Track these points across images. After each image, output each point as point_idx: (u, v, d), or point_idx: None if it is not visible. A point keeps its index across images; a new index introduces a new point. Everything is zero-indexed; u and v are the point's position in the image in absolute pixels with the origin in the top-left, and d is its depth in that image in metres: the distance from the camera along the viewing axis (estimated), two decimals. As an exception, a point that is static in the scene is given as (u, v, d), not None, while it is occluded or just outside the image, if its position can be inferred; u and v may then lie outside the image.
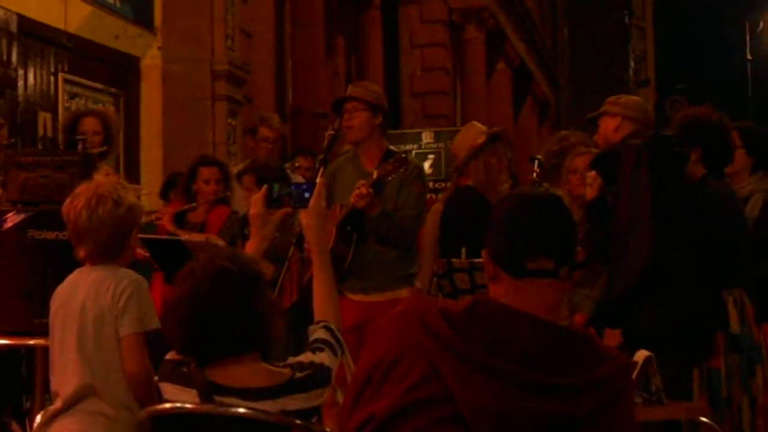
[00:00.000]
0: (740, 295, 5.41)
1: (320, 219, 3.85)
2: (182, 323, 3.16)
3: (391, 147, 6.34)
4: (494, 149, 6.41)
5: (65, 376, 4.09)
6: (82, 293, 4.12)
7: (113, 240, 4.16)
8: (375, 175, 5.86)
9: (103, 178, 4.39)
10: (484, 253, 2.63)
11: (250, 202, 4.14)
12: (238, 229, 6.91)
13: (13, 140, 6.67)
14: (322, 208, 3.90)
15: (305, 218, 3.86)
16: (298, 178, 7.47)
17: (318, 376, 3.26)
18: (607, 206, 5.72)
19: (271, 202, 4.03)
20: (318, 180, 4.03)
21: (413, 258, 6.21)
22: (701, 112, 5.71)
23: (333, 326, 3.56)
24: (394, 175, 5.89)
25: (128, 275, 4.14)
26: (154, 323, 4.11)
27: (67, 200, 4.24)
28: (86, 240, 4.15)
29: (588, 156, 6.35)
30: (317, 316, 3.65)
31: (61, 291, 4.22)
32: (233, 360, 3.15)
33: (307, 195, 3.88)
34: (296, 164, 8.53)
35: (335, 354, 3.44)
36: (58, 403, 4.10)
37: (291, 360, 3.30)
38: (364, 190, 5.76)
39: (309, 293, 5.71)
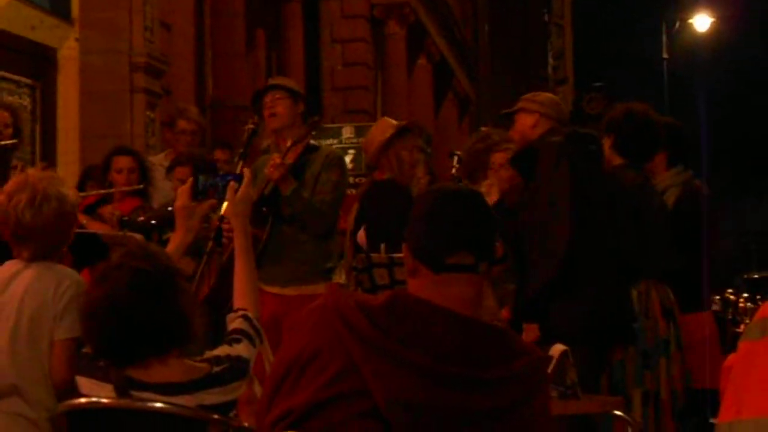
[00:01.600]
0: (646, 287, 5.50)
1: (248, 207, 3.87)
2: (101, 327, 3.11)
3: (312, 141, 6.33)
4: (403, 142, 6.41)
5: None
6: (19, 288, 3.90)
7: (57, 238, 3.99)
8: (289, 142, 5.86)
9: (37, 172, 4.14)
10: (404, 247, 2.63)
11: (178, 192, 4.10)
12: (143, 222, 6.78)
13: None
14: (251, 197, 3.90)
15: (233, 206, 3.84)
16: None
17: (235, 369, 3.24)
18: (514, 204, 5.82)
19: (196, 194, 4.00)
20: (246, 172, 4.00)
21: (331, 251, 6.19)
22: (630, 103, 5.84)
23: (251, 315, 3.54)
24: (308, 140, 5.90)
25: (69, 275, 3.95)
26: None
27: (1, 198, 4.00)
28: (30, 239, 3.94)
29: (508, 152, 6.40)
30: (236, 304, 3.64)
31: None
32: (153, 358, 3.12)
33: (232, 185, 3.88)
34: (214, 157, 8.46)
35: (253, 344, 3.41)
36: None
37: (208, 354, 3.28)
38: (278, 160, 5.77)
39: (223, 288, 5.71)
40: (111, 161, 7.08)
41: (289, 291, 5.90)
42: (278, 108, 6.07)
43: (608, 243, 5.24)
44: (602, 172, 5.48)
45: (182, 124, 8.00)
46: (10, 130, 6.78)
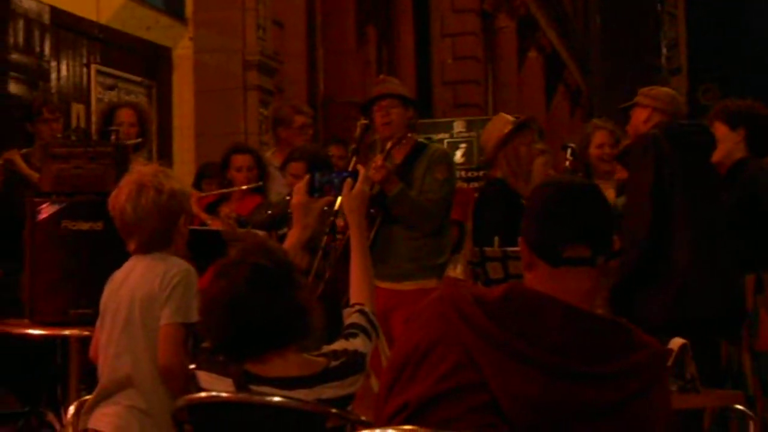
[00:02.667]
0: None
1: (364, 204, 3.89)
2: (220, 323, 3.13)
3: (420, 139, 6.37)
4: (522, 138, 6.38)
5: (107, 364, 4.06)
6: (132, 281, 4.04)
7: (160, 229, 4.07)
8: (388, 144, 5.89)
9: (143, 166, 4.31)
10: (520, 240, 2.63)
11: (294, 189, 4.14)
12: (266, 219, 6.87)
13: (68, 132, 6.70)
14: (366, 193, 3.91)
15: (349, 202, 3.86)
16: None
17: (352, 364, 3.25)
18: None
19: (313, 191, 4.03)
20: (361, 168, 4.02)
21: (443, 248, 6.21)
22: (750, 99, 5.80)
23: (368, 310, 3.57)
24: (408, 140, 5.95)
25: (178, 264, 4.05)
26: (197, 316, 4.03)
27: (113, 194, 4.15)
28: (134, 233, 4.07)
29: (605, 132, 6.43)
30: (353, 299, 3.67)
31: (115, 278, 4.15)
32: (271, 353, 3.14)
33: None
34: (329, 153, 8.51)
35: (369, 338, 3.43)
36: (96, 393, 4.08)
37: (325, 349, 3.29)
38: (379, 162, 5.83)
39: (338, 282, 5.76)
40: (230, 159, 7.16)
41: (400, 286, 5.93)
42: (393, 116, 6.13)
43: (704, 235, 5.12)
44: (707, 163, 5.37)
45: (300, 119, 8.04)
46: (135, 129, 6.91)
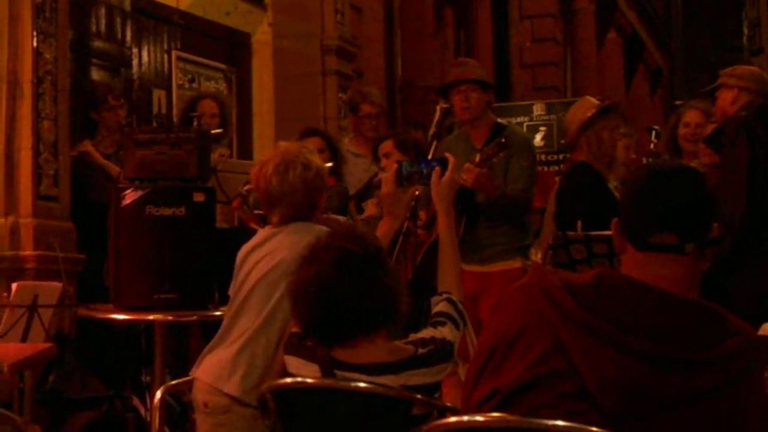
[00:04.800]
0: None
1: (453, 192, 3.89)
2: (309, 307, 3.14)
3: (499, 120, 6.35)
4: (606, 122, 6.30)
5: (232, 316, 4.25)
6: (273, 244, 4.21)
7: (305, 203, 4.23)
8: (477, 158, 5.86)
9: (287, 143, 4.48)
10: (614, 223, 2.59)
11: (383, 179, 4.15)
12: (338, 202, 6.88)
13: (129, 119, 6.77)
14: (456, 181, 3.91)
15: (438, 191, 3.85)
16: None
17: (440, 352, 3.24)
18: None
19: (401, 181, 4.02)
20: (450, 156, 3.99)
21: (527, 230, 6.24)
22: None
23: (455, 298, 3.56)
24: (495, 159, 5.90)
25: (317, 230, 4.07)
26: None
27: (254, 168, 4.34)
28: (279, 205, 4.23)
29: (697, 112, 6.32)
30: (440, 287, 3.66)
31: (249, 246, 4.33)
32: (360, 338, 3.14)
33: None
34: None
35: (457, 327, 3.42)
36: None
37: (413, 337, 3.28)
38: (472, 167, 5.81)
39: (422, 272, 5.75)
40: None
41: (487, 268, 5.96)
42: (472, 101, 6.18)
43: None
44: None
45: (366, 108, 8.04)
46: (217, 120, 6.97)
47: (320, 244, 3.20)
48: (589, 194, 6.07)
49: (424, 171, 3.95)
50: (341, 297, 3.09)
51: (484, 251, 5.98)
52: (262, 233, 4.37)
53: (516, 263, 6.09)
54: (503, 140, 6.07)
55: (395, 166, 4.09)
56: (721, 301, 4.89)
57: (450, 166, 3.89)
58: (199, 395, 4.21)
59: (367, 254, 3.16)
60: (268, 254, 4.20)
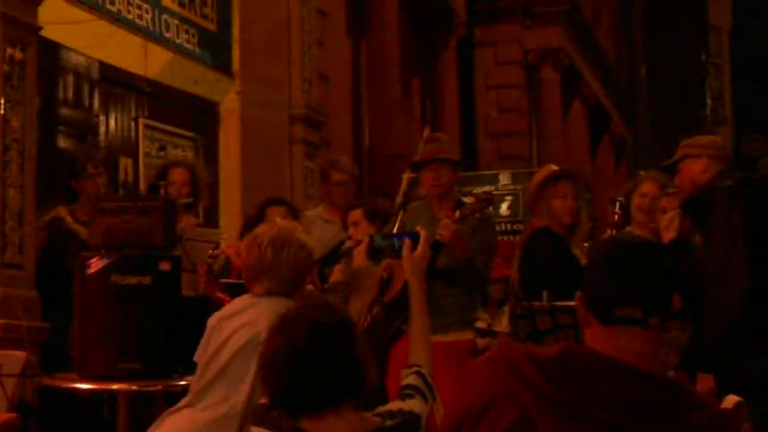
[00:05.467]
0: None
1: (424, 265, 3.92)
2: (278, 377, 3.12)
3: (462, 197, 6.45)
4: (555, 189, 6.35)
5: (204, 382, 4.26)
6: (253, 313, 4.24)
7: (293, 281, 4.29)
8: (458, 214, 5.89)
9: (284, 221, 4.63)
10: (577, 296, 2.60)
11: (355, 253, 4.19)
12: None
13: (110, 188, 6.76)
14: (427, 255, 3.93)
15: (411, 265, 3.86)
16: None
17: (408, 424, 3.23)
18: (687, 249, 5.67)
19: (374, 254, 4.04)
20: (422, 230, 4.01)
21: (476, 302, 6.42)
22: None
23: (425, 372, 3.57)
24: (478, 214, 5.94)
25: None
26: None
27: (247, 239, 4.45)
28: (267, 276, 4.28)
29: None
30: (411, 360, 3.68)
31: (224, 312, 4.40)
32: (328, 410, 3.12)
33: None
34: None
35: (426, 401, 3.43)
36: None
37: (380, 409, 3.27)
38: (449, 222, 5.84)
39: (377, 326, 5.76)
40: (265, 212, 7.17)
41: (437, 338, 5.94)
42: (443, 179, 6.24)
43: None
44: None
45: (335, 176, 8.08)
46: (187, 189, 6.97)
47: (290, 314, 3.19)
48: (552, 258, 6.12)
49: (396, 244, 3.97)
50: (310, 367, 3.08)
51: (435, 323, 5.98)
52: (238, 302, 4.41)
53: (468, 334, 6.19)
54: (489, 195, 6.16)
55: (367, 239, 4.12)
56: (718, 374, 4.93)
57: (422, 240, 3.90)
58: None
59: (338, 325, 3.16)
60: (247, 324, 4.21)
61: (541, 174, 6.55)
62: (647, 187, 6.60)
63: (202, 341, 4.39)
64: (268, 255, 4.25)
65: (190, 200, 6.84)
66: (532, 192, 6.45)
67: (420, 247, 3.88)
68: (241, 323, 4.24)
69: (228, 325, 4.28)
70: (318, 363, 3.08)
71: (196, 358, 4.43)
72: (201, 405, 4.23)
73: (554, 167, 6.64)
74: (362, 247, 4.07)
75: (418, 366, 3.60)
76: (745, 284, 4.94)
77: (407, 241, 3.90)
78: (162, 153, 9.36)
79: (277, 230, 4.35)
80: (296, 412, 3.12)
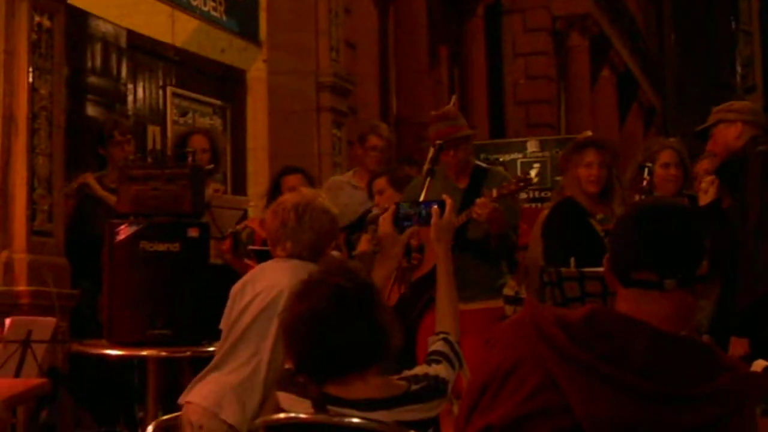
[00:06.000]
0: None
1: (451, 233, 3.91)
2: (302, 343, 3.13)
3: (478, 162, 6.47)
4: (580, 158, 6.32)
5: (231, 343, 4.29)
6: (275, 276, 4.29)
7: (315, 244, 4.34)
8: (495, 193, 5.90)
9: (309, 190, 4.71)
10: (605, 260, 2.60)
11: (381, 220, 4.18)
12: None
13: (139, 155, 6.78)
14: (453, 223, 3.93)
15: (436, 232, 3.86)
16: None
17: (433, 388, 3.24)
18: (724, 213, 5.63)
19: (399, 222, 4.04)
20: (447, 198, 4.01)
21: (502, 270, 6.40)
22: None
23: (452, 338, 3.58)
24: (513, 194, 5.99)
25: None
26: None
27: (273, 205, 4.49)
28: (290, 240, 4.33)
29: (671, 151, 6.34)
30: (437, 327, 3.69)
31: (248, 277, 4.43)
32: (352, 374, 3.14)
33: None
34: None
35: (452, 367, 3.44)
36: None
37: (406, 373, 3.28)
38: (487, 201, 5.86)
39: (410, 301, 5.78)
40: (281, 182, 7.17)
41: (466, 307, 5.95)
42: (459, 155, 6.26)
43: None
44: None
45: (373, 140, 8.06)
46: (208, 155, 6.97)
47: (313, 280, 3.20)
48: (569, 229, 6.11)
49: (423, 212, 3.96)
50: (334, 333, 3.09)
51: (465, 290, 5.98)
52: (260, 267, 4.45)
53: (498, 302, 6.22)
54: (527, 176, 6.15)
55: (393, 207, 4.11)
56: (760, 338, 4.91)
57: (447, 208, 3.90)
58: (193, 417, 4.22)
59: (360, 290, 3.17)
60: (268, 287, 4.25)
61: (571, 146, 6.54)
62: (665, 156, 6.52)
63: (227, 308, 4.42)
64: (291, 219, 4.29)
65: (211, 166, 6.86)
66: (560, 161, 6.45)
67: (446, 215, 3.87)
68: (262, 286, 4.28)
69: (251, 289, 4.31)
70: (341, 328, 3.09)
71: (222, 326, 4.45)
72: (227, 368, 4.27)
73: (589, 134, 6.61)
74: (388, 215, 4.05)
75: (446, 333, 3.61)
76: None
77: (435, 208, 3.90)
78: (186, 119, 9.38)
79: (300, 196, 4.39)
80: (321, 377, 3.13)
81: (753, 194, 5.11)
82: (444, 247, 3.86)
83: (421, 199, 6.07)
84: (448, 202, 3.92)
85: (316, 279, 3.19)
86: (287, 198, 4.43)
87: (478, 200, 5.89)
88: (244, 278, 4.43)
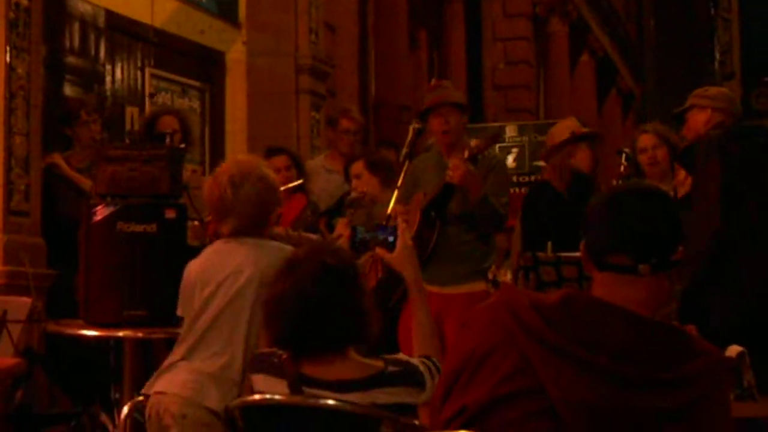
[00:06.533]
0: None
1: (411, 258, 3.72)
2: (285, 319, 3.14)
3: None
4: (573, 148, 6.34)
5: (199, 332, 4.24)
6: (236, 261, 4.20)
7: (258, 216, 4.25)
8: (467, 153, 5.84)
9: (244, 155, 4.58)
10: (581, 244, 2.61)
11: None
12: (313, 220, 6.92)
13: (105, 135, 6.76)
14: (410, 248, 3.74)
15: (398, 259, 3.70)
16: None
17: (411, 374, 3.21)
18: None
19: (356, 246, 3.97)
20: (400, 222, 3.90)
21: (491, 251, 6.23)
22: None
23: (435, 360, 3.40)
24: (486, 152, 5.90)
25: (286, 249, 4.14)
26: None
27: (208, 179, 4.36)
28: (231, 215, 4.24)
29: (650, 135, 6.38)
30: (417, 353, 3.52)
31: (204, 263, 4.33)
32: (330, 353, 3.14)
33: (391, 239, 3.77)
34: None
35: (431, 375, 3.28)
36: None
37: (386, 356, 3.28)
38: (459, 163, 5.76)
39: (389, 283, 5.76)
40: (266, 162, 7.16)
41: (449, 290, 5.92)
42: (451, 123, 6.12)
43: None
44: None
45: (345, 123, 8.08)
46: (178, 136, 6.95)
47: (299, 257, 3.21)
48: (545, 212, 6.13)
49: (380, 237, 3.85)
50: (319, 308, 3.10)
51: (448, 270, 5.95)
52: (212, 248, 4.37)
53: (480, 285, 6.03)
54: (495, 131, 6.12)
55: (349, 231, 4.07)
56: (700, 321, 4.94)
57: (400, 231, 3.73)
58: (173, 407, 4.13)
59: (345, 268, 3.18)
60: (234, 273, 4.19)
61: (563, 129, 6.53)
62: (644, 140, 6.57)
63: (185, 293, 4.37)
64: (228, 193, 4.19)
65: (182, 146, 6.84)
66: (551, 148, 6.44)
67: (399, 243, 3.70)
68: (226, 273, 4.20)
69: (213, 277, 4.24)
70: (325, 304, 3.10)
71: (179, 312, 4.40)
72: (198, 358, 4.20)
73: (574, 123, 6.62)
74: (344, 240, 4.03)
75: (427, 356, 3.43)
76: (714, 233, 4.89)
77: (402, 227, 3.75)
78: (152, 99, 9.35)
79: (235, 166, 4.27)
80: (301, 352, 3.14)
81: (696, 180, 5.13)
82: (410, 271, 3.68)
83: (399, 183, 6.08)
84: (401, 227, 3.80)
85: (303, 256, 3.20)
86: (224, 169, 4.30)
87: (450, 162, 5.83)
88: (201, 261, 4.33)
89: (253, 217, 4.24)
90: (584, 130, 6.71)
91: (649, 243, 2.55)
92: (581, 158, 7.12)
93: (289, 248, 4.13)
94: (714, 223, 4.94)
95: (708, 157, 5.08)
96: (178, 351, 4.29)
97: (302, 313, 3.10)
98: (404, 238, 3.73)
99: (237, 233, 4.26)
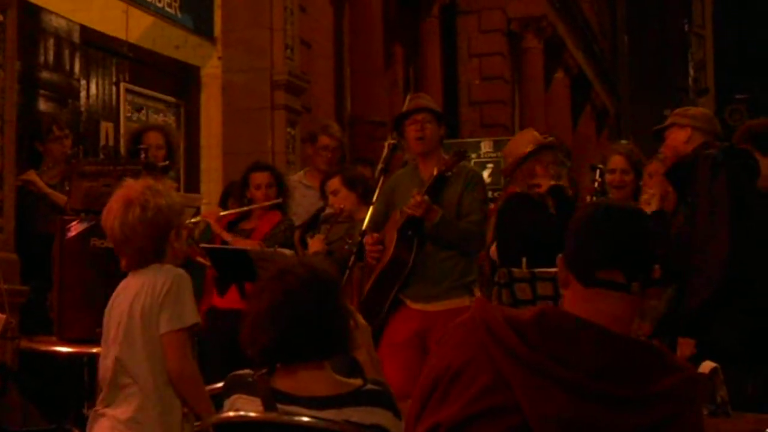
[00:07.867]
0: None
1: (369, 336, 3.58)
2: (262, 328, 3.13)
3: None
4: (539, 158, 6.36)
5: (107, 376, 4.16)
6: (129, 295, 4.15)
7: (148, 245, 4.16)
8: (435, 172, 5.82)
9: (132, 182, 4.32)
10: (559, 258, 2.61)
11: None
12: (286, 236, 6.92)
13: (75, 150, 6.74)
14: (366, 325, 3.55)
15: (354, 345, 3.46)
16: None
17: (386, 396, 3.17)
18: (666, 218, 5.70)
19: None
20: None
21: (472, 266, 6.18)
22: None
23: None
24: (453, 171, 5.86)
25: (167, 272, 4.15)
26: (194, 318, 4.14)
27: (104, 211, 4.25)
28: (124, 249, 4.18)
29: (621, 157, 6.42)
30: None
31: (112, 299, 4.27)
32: (305, 368, 3.14)
33: None
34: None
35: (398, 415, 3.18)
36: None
37: (369, 377, 3.26)
38: (418, 198, 5.73)
39: (372, 302, 5.75)
40: (249, 178, 7.20)
41: (433, 307, 5.89)
42: (427, 131, 6.04)
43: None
44: (758, 188, 5.36)
45: (324, 140, 8.07)
46: (162, 152, 6.94)
47: (278, 271, 3.20)
48: (528, 221, 6.14)
49: None
50: (296, 319, 3.10)
51: (430, 287, 5.93)
52: (123, 282, 4.29)
53: (463, 301, 5.91)
54: (461, 149, 6.09)
55: (325, 247, 4.05)
56: (707, 340, 4.96)
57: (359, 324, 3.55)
58: None
59: (322, 285, 3.18)
60: (129, 305, 4.13)
61: (525, 141, 6.53)
62: (615, 161, 6.60)
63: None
64: (116, 226, 4.12)
65: (166, 163, 6.83)
66: (516, 159, 6.43)
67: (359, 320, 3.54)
68: (123, 307, 4.15)
69: (112, 320, 4.19)
70: (303, 315, 3.10)
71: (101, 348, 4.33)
72: (115, 403, 4.12)
73: (535, 134, 6.63)
74: (320, 258, 4.00)
75: None
76: (727, 252, 4.96)
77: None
78: (139, 115, 9.33)
79: (121, 197, 4.18)
80: (277, 360, 3.13)
81: (701, 198, 5.17)
82: (364, 353, 3.51)
83: (374, 199, 6.07)
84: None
85: (283, 269, 3.20)
86: (111, 207, 4.18)
87: (411, 200, 5.78)
88: (109, 302, 4.28)
89: (142, 249, 4.15)
90: (550, 139, 6.72)
91: (640, 261, 2.56)
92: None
93: (173, 272, 4.12)
94: (724, 246, 4.99)
95: (715, 176, 5.13)
96: (99, 398, 4.21)
97: (278, 322, 3.09)
98: (356, 318, 3.52)
99: (133, 266, 4.21)
